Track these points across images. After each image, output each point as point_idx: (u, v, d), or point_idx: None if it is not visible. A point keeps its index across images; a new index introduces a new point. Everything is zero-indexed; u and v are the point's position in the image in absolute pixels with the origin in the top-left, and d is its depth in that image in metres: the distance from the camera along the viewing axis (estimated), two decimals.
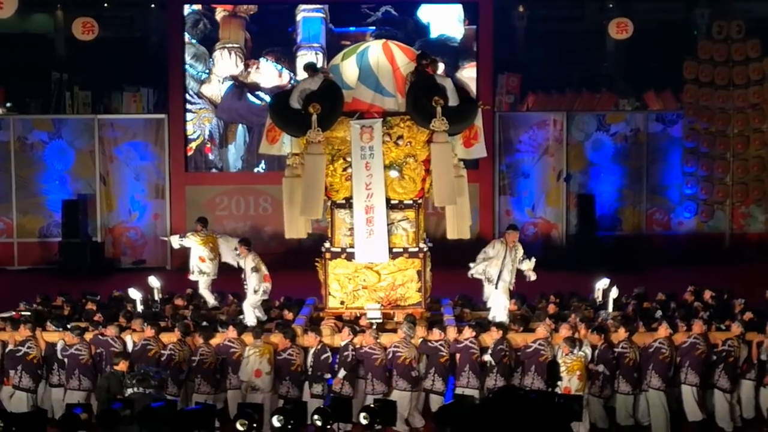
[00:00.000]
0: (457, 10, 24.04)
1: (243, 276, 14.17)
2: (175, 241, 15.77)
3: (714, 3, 25.00)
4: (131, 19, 26.60)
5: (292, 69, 23.57)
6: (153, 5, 25.34)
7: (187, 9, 24.00)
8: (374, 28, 23.28)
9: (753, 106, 23.97)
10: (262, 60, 23.90)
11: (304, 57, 22.96)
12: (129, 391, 11.10)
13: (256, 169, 24.30)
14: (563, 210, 24.46)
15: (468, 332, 12.94)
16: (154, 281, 15.23)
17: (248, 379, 12.75)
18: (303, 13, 23.57)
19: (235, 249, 14.65)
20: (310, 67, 14.13)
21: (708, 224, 24.55)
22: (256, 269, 13.94)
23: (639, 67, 25.03)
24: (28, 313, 13.96)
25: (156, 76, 24.46)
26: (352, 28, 23.22)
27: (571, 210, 24.30)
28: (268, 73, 23.82)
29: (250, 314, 13.93)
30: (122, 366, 11.81)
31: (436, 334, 12.93)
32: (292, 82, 23.02)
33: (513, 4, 25.36)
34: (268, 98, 23.06)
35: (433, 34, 23.85)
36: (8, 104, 25.09)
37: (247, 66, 23.91)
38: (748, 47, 23.85)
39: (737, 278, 16.38)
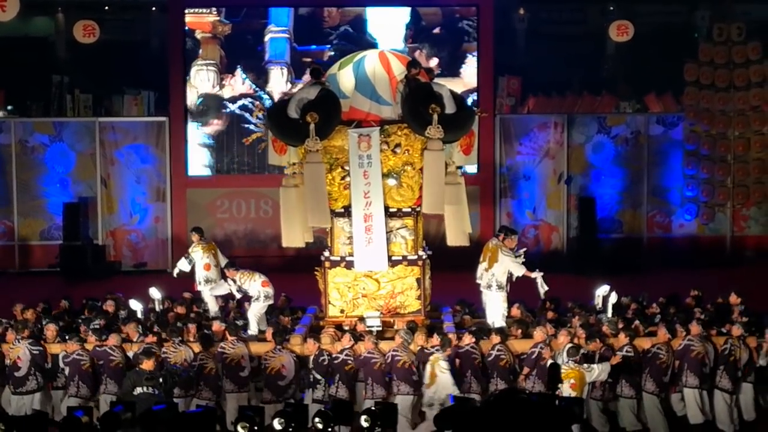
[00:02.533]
0: (402, 26, 24.23)
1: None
2: (184, 265, 15.41)
3: (714, 5, 24.99)
4: (132, 22, 26.60)
5: (263, 81, 24.32)
6: (154, 8, 25.36)
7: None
8: (330, 45, 24.07)
9: (753, 109, 23.94)
10: (238, 70, 24.36)
11: (273, 72, 24.19)
12: (138, 390, 11.12)
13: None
14: (564, 212, 24.46)
15: (468, 338, 12.96)
16: (155, 293, 15.16)
17: None
18: (270, 33, 24.28)
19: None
20: (315, 72, 14.11)
21: (709, 227, 24.55)
22: (240, 291, 14.02)
23: (640, 69, 25.02)
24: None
25: (157, 79, 24.45)
26: (313, 46, 24.32)
27: (572, 212, 24.30)
28: (237, 86, 24.45)
29: (253, 323, 13.95)
30: (147, 365, 11.80)
31: (434, 340, 12.93)
32: (254, 88, 24.07)
33: (514, 6, 25.38)
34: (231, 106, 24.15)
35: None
36: (9, 107, 25.08)
37: (222, 80, 24.29)
38: (749, 50, 23.83)
39: (738, 281, 16.35)
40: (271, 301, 14.19)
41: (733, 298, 14.59)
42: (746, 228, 24.79)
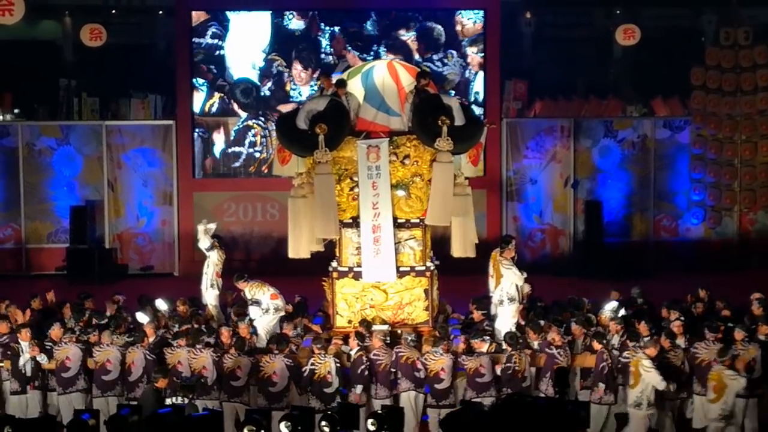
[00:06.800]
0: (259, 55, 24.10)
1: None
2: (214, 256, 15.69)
3: (721, 9, 24.97)
4: (139, 25, 26.69)
5: None
6: (161, 12, 25.42)
7: None
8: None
9: (760, 113, 23.94)
10: None
11: None
12: (168, 401, 11.11)
13: None
14: (571, 216, 24.42)
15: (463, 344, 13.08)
16: (161, 304, 15.10)
17: None
18: None
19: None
20: (340, 82, 14.05)
21: (716, 231, 24.49)
22: (256, 302, 14.03)
23: (646, 73, 25.01)
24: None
25: (164, 83, 24.49)
26: None
27: (579, 216, 24.26)
28: None
29: (263, 336, 13.91)
30: (161, 383, 11.76)
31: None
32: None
33: (520, 10, 25.39)
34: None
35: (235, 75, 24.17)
36: (16, 110, 25.13)
37: None
38: (756, 54, 23.83)
39: (744, 285, 16.31)
40: (281, 313, 14.15)
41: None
42: (753, 232, 24.73)
